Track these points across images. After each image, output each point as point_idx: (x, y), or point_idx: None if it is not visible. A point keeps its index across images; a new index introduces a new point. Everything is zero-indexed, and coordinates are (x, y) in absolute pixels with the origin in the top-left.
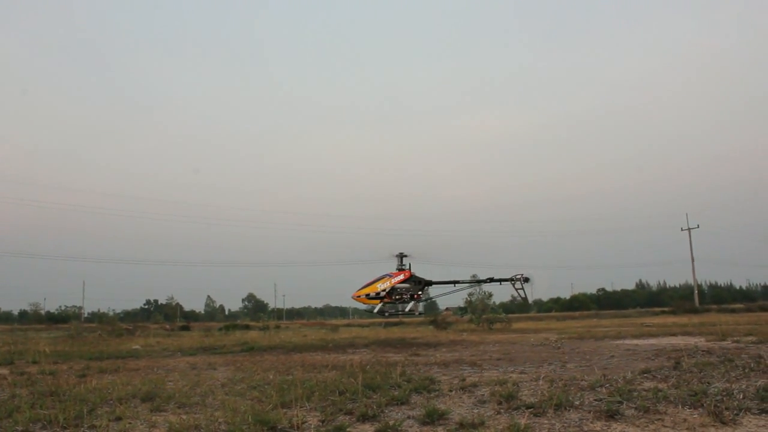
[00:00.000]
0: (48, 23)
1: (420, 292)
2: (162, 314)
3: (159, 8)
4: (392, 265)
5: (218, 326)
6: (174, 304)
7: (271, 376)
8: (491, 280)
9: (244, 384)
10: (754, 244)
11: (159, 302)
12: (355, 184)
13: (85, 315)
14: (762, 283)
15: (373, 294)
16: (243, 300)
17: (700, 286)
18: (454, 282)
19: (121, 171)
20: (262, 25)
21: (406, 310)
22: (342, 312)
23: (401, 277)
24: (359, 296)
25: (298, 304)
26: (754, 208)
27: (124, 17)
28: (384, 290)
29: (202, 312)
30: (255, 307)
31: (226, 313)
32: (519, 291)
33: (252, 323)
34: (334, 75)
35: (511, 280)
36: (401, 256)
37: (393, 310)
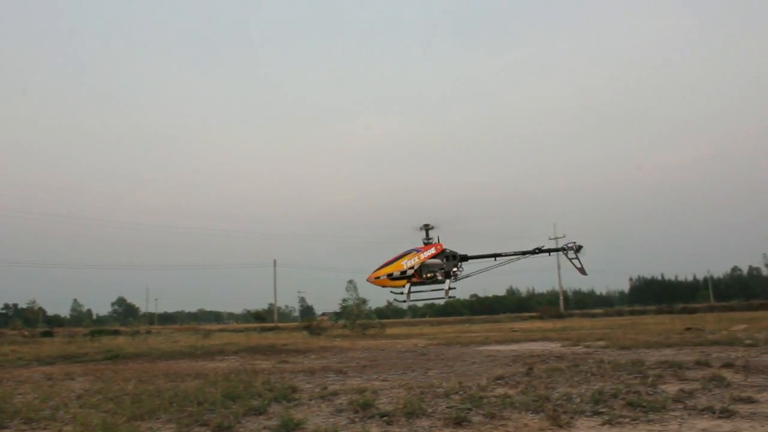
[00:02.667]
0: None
1: (455, 269)
2: (21, 319)
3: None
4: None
5: (84, 332)
6: (36, 308)
7: (129, 387)
8: (539, 250)
9: (101, 395)
10: (612, 253)
11: (19, 306)
12: (232, 185)
13: None
14: (619, 290)
15: (397, 273)
16: (113, 304)
17: (565, 293)
18: (495, 255)
19: None
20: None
21: (446, 289)
22: (216, 317)
23: (431, 251)
24: (378, 277)
25: (171, 309)
26: (613, 219)
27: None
28: (412, 268)
29: (68, 317)
30: (125, 312)
31: (94, 317)
32: (573, 261)
33: (122, 328)
34: (222, 72)
35: (563, 249)
36: (427, 228)
37: (428, 292)
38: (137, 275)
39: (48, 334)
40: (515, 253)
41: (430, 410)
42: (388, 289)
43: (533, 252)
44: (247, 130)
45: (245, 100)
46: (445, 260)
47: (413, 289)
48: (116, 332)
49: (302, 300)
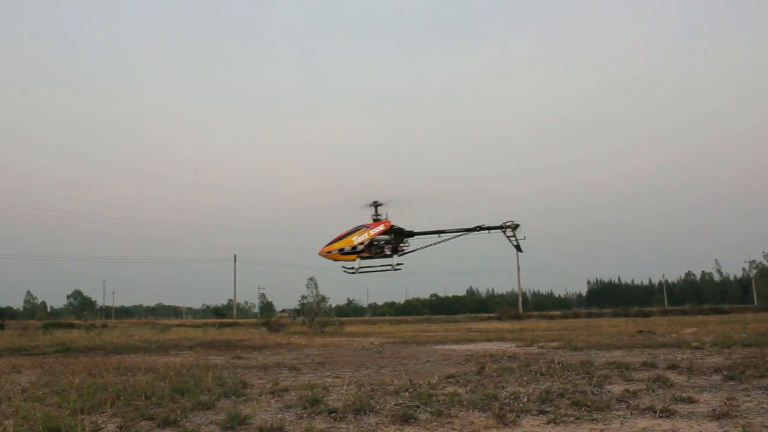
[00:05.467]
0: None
1: (402, 244)
2: None
3: None
4: (365, 218)
5: (38, 325)
6: None
7: (77, 380)
8: (480, 228)
9: (48, 389)
10: (571, 256)
11: None
12: (194, 177)
13: None
14: (577, 292)
15: (348, 248)
16: (68, 297)
17: (524, 294)
18: (439, 232)
19: None
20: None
21: (394, 264)
22: (175, 311)
23: (381, 228)
24: (330, 252)
25: (129, 302)
26: (572, 224)
27: None
28: (362, 243)
29: (21, 309)
30: (81, 305)
31: (49, 310)
32: (511, 239)
33: (77, 322)
34: (185, 63)
35: (501, 227)
36: (376, 205)
37: (377, 265)
38: (94, 267)
39: None
40: (458, 230)
41: (378, 407)
42: (341, 264)
43: (474, 229)
44: (207, 123)
45: (206, 92)
46: (393, 236)
47: (362, 263)
48: (71, 326)
49: (262, 296)
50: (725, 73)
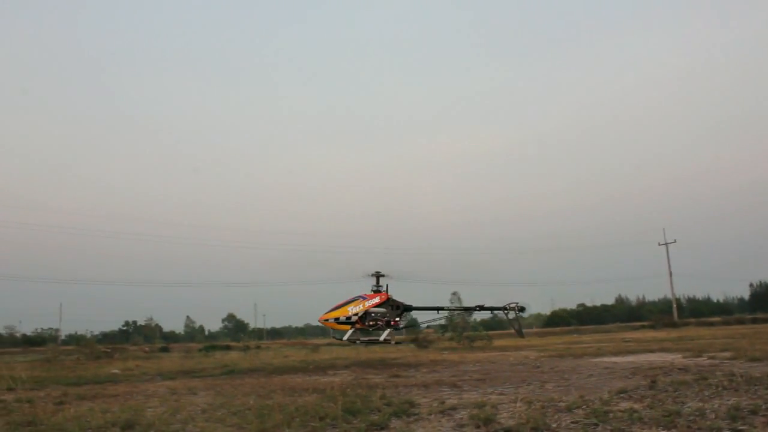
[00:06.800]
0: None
1: (398, 318)
2: (141, 335)
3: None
4: (367, 286)
5: (198, 347)
6: (153, 325)
7: (251, 401)
8: (481, 308)
9: (225, 410)
10: (730, 258)
11: (138, 323)
12: (333, 201)
13: (62, 337)
14: (738, 296)
15: (343, 318)
16: (223, 320)
17: (678, 300)
18: (438, 308)
19: (98, 189)
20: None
21: (381, 338)
22: (323, 331)
23: (376, 300)
24: (327, 320)
25: (278, 324)
26: (730, 223)
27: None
28: (356, 314)
29: (182, 332)
30: (235, 327)
31: (206, 333)
32: (512, 322)
33: (233, 343)
34: (308, 89)
35: (504, 309)
36: (378, 275)
37: (365, 338)
38: (245, 292)
39: (165, 349)
40: (457, 308)
41: (554, 425)
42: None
43: (474, 308)
44: (333, 145)
45: (321, 118)
46: (389, 309)
47: (356, 334)
48: (228, 347)
49: None
50: None
